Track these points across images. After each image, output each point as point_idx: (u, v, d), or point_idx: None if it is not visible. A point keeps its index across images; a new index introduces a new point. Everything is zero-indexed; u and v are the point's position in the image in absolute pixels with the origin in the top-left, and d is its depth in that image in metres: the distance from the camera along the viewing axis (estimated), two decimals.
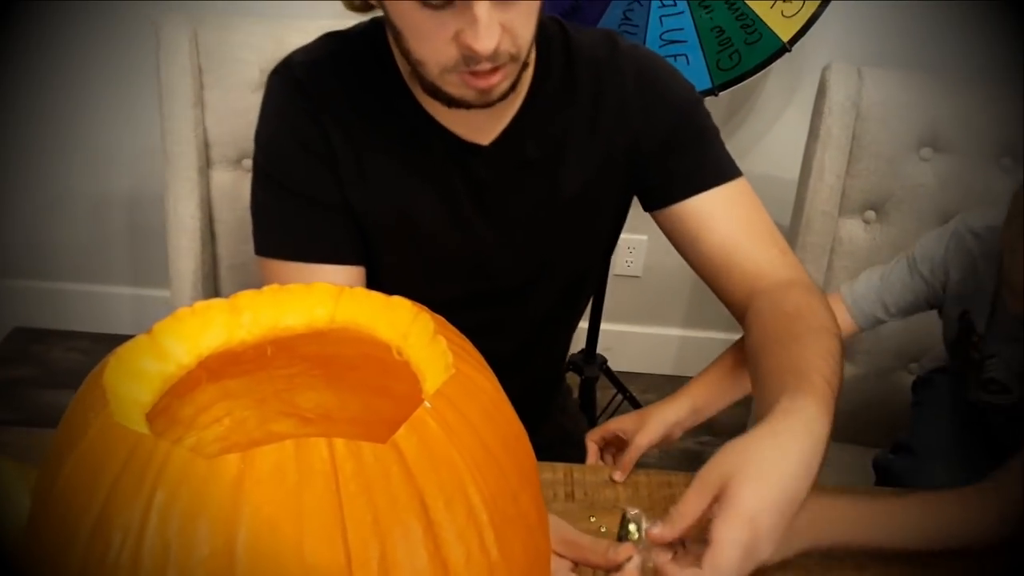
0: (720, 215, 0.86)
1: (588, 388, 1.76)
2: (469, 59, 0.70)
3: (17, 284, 2.13)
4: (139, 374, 0.57)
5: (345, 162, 0.83)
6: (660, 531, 0.60)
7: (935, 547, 0.77)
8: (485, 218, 0.87)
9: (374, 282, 0.87)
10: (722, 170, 0.87)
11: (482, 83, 0.72)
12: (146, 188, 1.96)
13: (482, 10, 0.67)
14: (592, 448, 0.93)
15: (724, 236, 0.86)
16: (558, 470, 0.88)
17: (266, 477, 0.45)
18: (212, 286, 1.15)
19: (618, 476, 0.87)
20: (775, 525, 0.59)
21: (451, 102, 0.76)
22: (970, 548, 0.78)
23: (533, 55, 0.82)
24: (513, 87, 0.77)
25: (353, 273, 0.86)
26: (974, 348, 0.96)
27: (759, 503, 0.59)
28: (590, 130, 0.86)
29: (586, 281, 0.99)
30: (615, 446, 0.93)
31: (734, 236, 0.86)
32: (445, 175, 0.85)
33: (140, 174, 1.95)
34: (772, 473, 0.60)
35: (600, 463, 0.92)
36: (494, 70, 0.72)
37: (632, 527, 0.64)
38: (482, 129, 0.84)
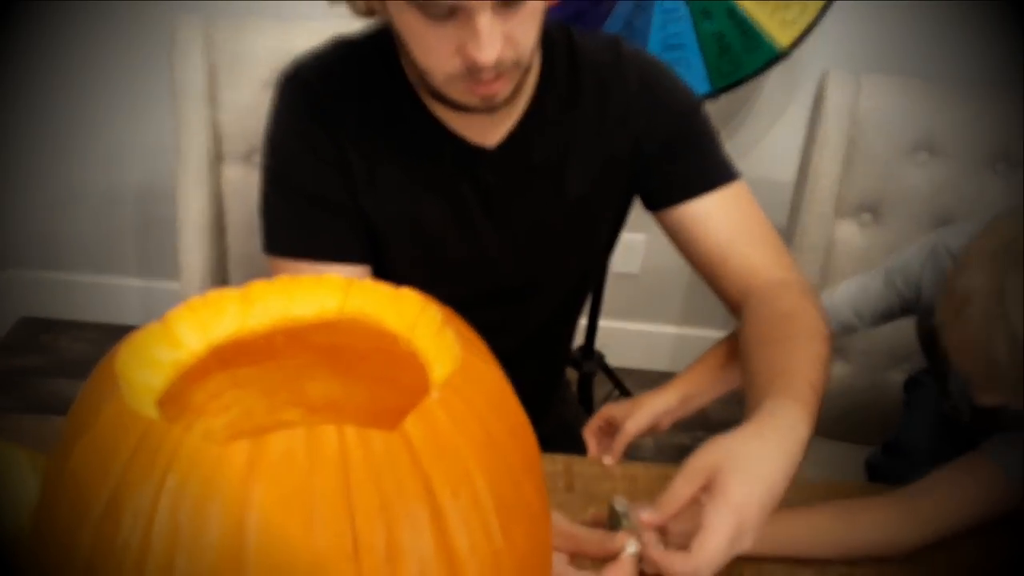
0: (718, 217, 0.87)
1: (586, 383, 1.77)
2: (473, 69, 0.71)
3: (26, 274, 2.13)
4: (151, 361, 0.58)
5: (354, 165, 0.84)
6: (649, 516, 0.63)
7: (850, 555, 0.80)
8: (491, 220, 0.88)
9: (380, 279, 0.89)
10: (720, 174, 0.88)
11: (485, 90, 0.74)
12: (157, 182, 1.97)
13: (484, 22, 0.68)
14: (591, 442, 0.94)
15: (722, 238, 0.87)
16: (557, 462, 0.90)
17: (276, 463, 0.46)
18: (221, 279, 1.16)
19: (608, 461, 0.90)
20: (759, 519, 0.61)
21: (456, 106, 0.78)
22: (889, 557, 0.80)
23: (537, 60, 0.83)
24: (517, 91, 0.78)
25: (358, 272, 0.87)
26: (940, 360, 0.97)
27: (747, 497, 0.61)
28: (595, 133, 0.87)
29: (587, 280, 1.01)
30: (610, 434, 0.95)
31: (731, 237, 0.87)
32: (452, 178, 0.86)
33: (151, 168, 1.96)
34: (758, 471, 0.62)
35: (601, 455, 0.94)
36: (497, 77, 0.73)
37: (622, 517, 0.66)
38: (488, 133, 0.85)
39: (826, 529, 0.80)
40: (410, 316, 0.61)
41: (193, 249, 1.09)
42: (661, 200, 0.89)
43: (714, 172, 0.88)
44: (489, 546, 0.51)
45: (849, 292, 0.99)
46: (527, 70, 0.78)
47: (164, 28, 1.10)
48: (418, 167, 0.85)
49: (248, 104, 1.09)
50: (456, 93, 0.76)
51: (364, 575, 0.46)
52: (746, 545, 0.61)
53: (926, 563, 0.80)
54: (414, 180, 0.86)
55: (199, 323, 0.60)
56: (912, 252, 0.97)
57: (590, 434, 0.94)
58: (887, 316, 0.99)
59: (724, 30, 1.44)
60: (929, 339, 0.98)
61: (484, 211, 0.88)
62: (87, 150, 1.95)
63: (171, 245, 1.11)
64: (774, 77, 1.75)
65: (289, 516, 0.45)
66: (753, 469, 0.62)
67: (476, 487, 0.51)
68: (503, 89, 0.75)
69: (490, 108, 0.77)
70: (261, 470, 0.46)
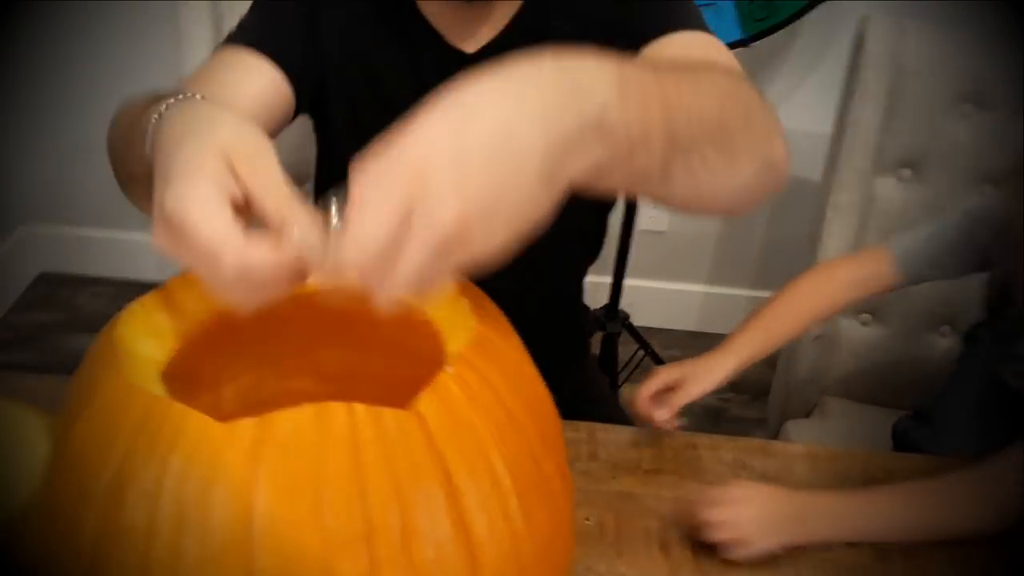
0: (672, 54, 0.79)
1: (610, 344, 1.75)
2: None
3: (43, 229, 2.14)
4: (154, 330, 0.56)
5: (327, 44, 0.83)
6: None
7: (925, 537, 0.77)
8: None
9: None
10: (677, 21, 0.81)
11: None
12: None
13: None
14: (647, 405, 0.89)
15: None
16: (581, 429, 0.87)
17: (283, 443, 0.44)
18: None
19: (662, 416, 0.86)
20: (450, 164, 0.43)
21: None
22: (965, 538, 0.76)
23: None
24: None
25: (279, 82, 0.79)
26: (1009, 319, 0.93)
27: (428, 135, 0.44)
28: (556, 30, 0.83)
29: (580, 205, 0.96)
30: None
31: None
32: (429, 79, 0.84)
33: None
34: (462, 101, 0.47)
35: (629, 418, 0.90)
36: None
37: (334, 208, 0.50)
38: (470, 36, 0.83)
39: (899, 514, 0.77)
40: None
41: None
42: None
43: (672, 18, 0.80)
44: (508, 528, 0.49)
45: (922, 243, 0.96)
46: None
47: None
48: (396, 63, 0.85)
49: None
50: None
51: (377, 558, 0.45)
52: (448, 203, 0.42)
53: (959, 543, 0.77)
54: (391, 77, 0.85)
55: (201, 290, 0.58)
56: (996, 200, 0.93)
57: (647, 399, 0.90)
58: (968, 268, 0.95)
59: None
60: (1003, 294, 0.94)
61: None
62: (99, 100, 1.91)
63: None
64: (810, 23, 1.68)
65: (297, 498, 0.44)
66: (455, 98, 0.46)
67: (494, 467, 0.49)
68: None
69: None
70: (267, 450, 0.44)
